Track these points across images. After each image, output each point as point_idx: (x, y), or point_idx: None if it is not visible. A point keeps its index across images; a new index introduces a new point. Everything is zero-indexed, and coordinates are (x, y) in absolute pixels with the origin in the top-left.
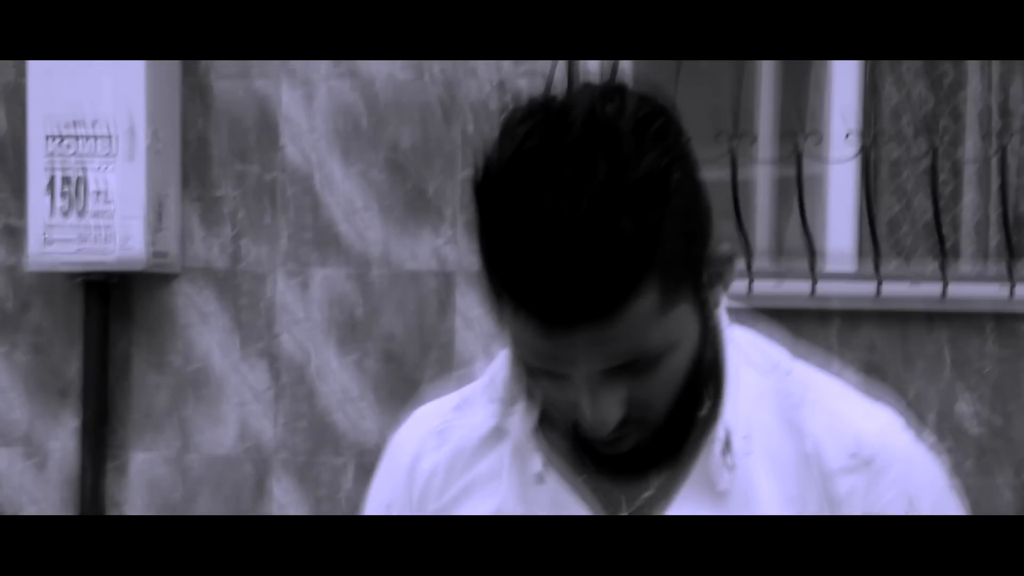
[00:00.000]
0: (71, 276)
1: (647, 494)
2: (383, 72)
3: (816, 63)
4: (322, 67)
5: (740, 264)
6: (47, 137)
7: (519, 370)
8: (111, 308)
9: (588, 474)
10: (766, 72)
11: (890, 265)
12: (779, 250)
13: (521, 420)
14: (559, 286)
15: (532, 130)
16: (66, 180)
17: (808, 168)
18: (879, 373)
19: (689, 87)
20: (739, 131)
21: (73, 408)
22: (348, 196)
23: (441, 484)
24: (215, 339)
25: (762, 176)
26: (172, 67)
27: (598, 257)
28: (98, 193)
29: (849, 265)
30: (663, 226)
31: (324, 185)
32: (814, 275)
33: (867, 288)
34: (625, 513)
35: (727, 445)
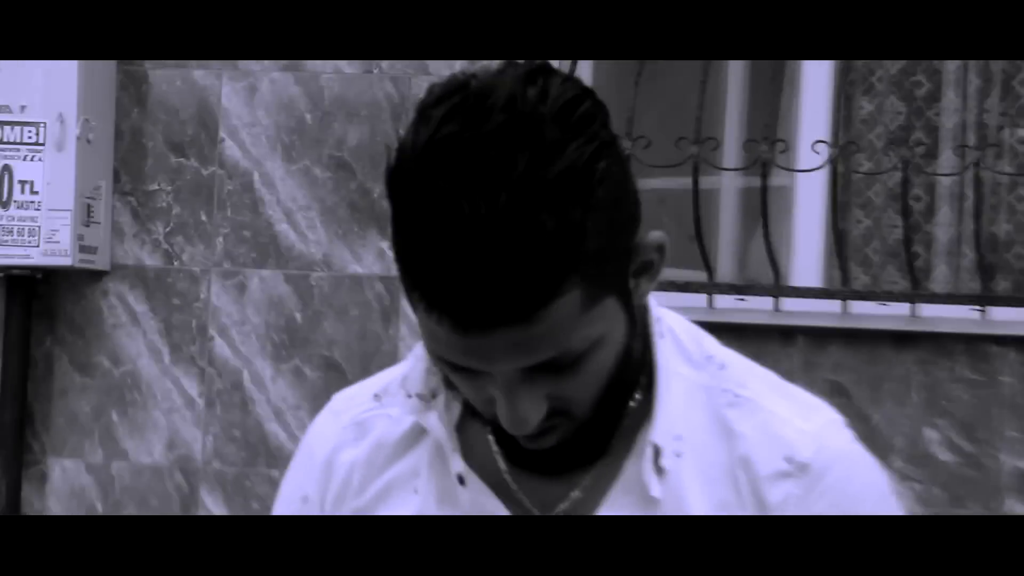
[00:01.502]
0: None
1: (575, 494)
2: (329, 66)
3: (787, 68)
4: (264, 59)
5: (696, 275)
6: None
7: (436, 366)
8: (34, 307)
9: (513, 473)
10: (733, 74)
11: (858, 283)
12: (742, 264)
13: (440, 417)
14: (474, 288)
15: (449, 114)
16: None
17: (775, 179)
18: (845, 395)
19: (649, 88)
20: (702, 136)
21: None
22: (289, 195)
23: (360, 480)
24: (145, 342)
25: (726, 185)
26: None
27: (517, 257)
28: (24, 184)
29: (815, 281)
30: (587, 221)
31: (264, 183)
32: (778, 291)
33: (834, 306)
34: (553, 512)
35: (658, 450)
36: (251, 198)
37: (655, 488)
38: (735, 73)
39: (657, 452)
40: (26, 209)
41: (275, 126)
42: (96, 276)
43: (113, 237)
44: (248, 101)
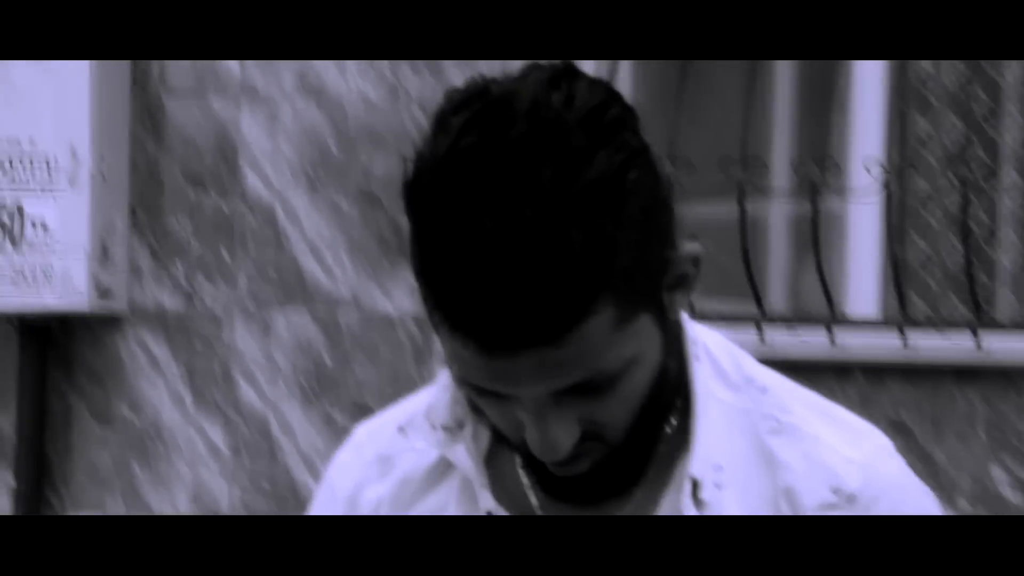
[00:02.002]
0: (5, 319)
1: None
2: (353, 92)
3: (837, 84)
4: (286, 85)
5: (745, 307)
6: None
7: (461, 390)
8: (50, 354)
9: (545, 509)
10: (781, 93)
11: (917, 312)
12: (794, 295)
13: (467, 450)
14: (499, 308)
15: (469, 123)
16: (1, 209)
17: (827, 204)
18: (906, 433)
19: (693, 107)
20: (749, 159)
21: (7, 466)
22: (315, 230)
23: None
24: (167, 389)
25: (775, 211)
26: (120, 84)
27: (544, 275)
28: (36, 225)
29: (872, 311)
30: (618, 235)
31: (288, 218)
32: (833, 324)
33: (892, 338)
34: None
35: (697, 483)
36: (274, 234)
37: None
38: (782, 90)
39: (696, 485)
40: (39, 252)
41: (298, 156)
42: (114, 321)
43: (131, 279)
44: (269, 131)
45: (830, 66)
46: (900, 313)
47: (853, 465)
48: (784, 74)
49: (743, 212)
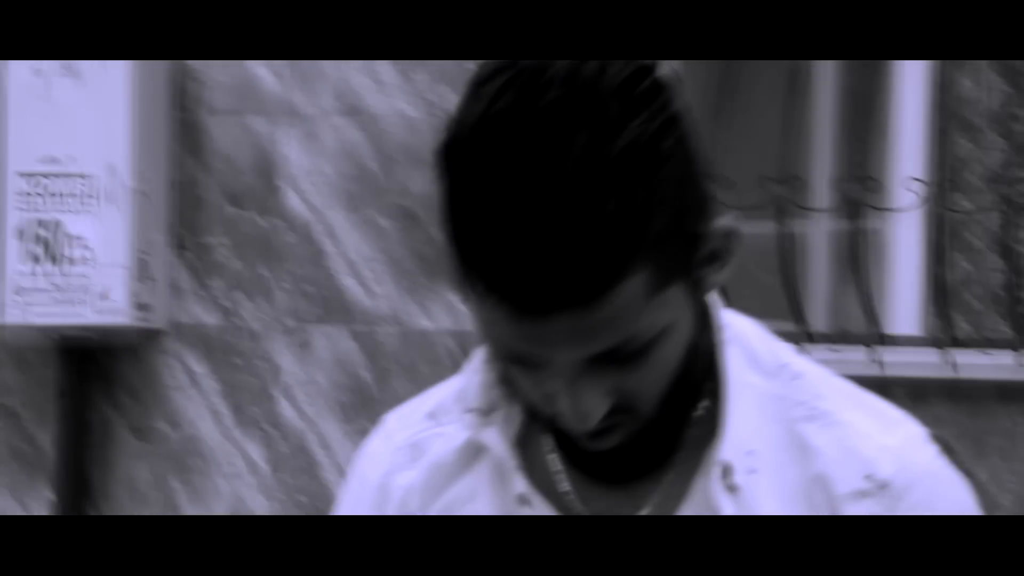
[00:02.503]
0: (45, 333)
1: (644, 511)
2: (391, 110)
3: (878, 101)
4: (324, 104)
5: (785, 325)
6: (19, 175)
7: (492, 359)
8: (89, 369)
9: (577, 492)
10: (822, 111)
11: (959, 331)
12: (835, 313)
13: (500, 433)
14: (534, 270)
15: (503, 89)
16: (41, 224)
17: (867, 221)
18: (948, 451)
19: (733, 125)
20: (789, 178)
21: (47, 480)
22: (353, 246)
23: (419, 505)
24: (206, 404)
25: (815, 229)
26: (159, 102)
27: (579, 236)
28: (75, 240)
29: (913, 330)
30: (653, 201)
31: (327, 234)
32: (875, 343)
33: (933, 356)
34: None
35: (728, 468)
36: (313, 251)
37: (727, 508)
38: (823, 108)
39: (727, 470)
40: (78, 266)
41: (337, 174)
42: (153, 336)
43: (170, 294)
44: (307, 148)
45: (871, 83)
46: (942, 331)
47: (887, 452)
48: (825, 92)
49: (783, 231)
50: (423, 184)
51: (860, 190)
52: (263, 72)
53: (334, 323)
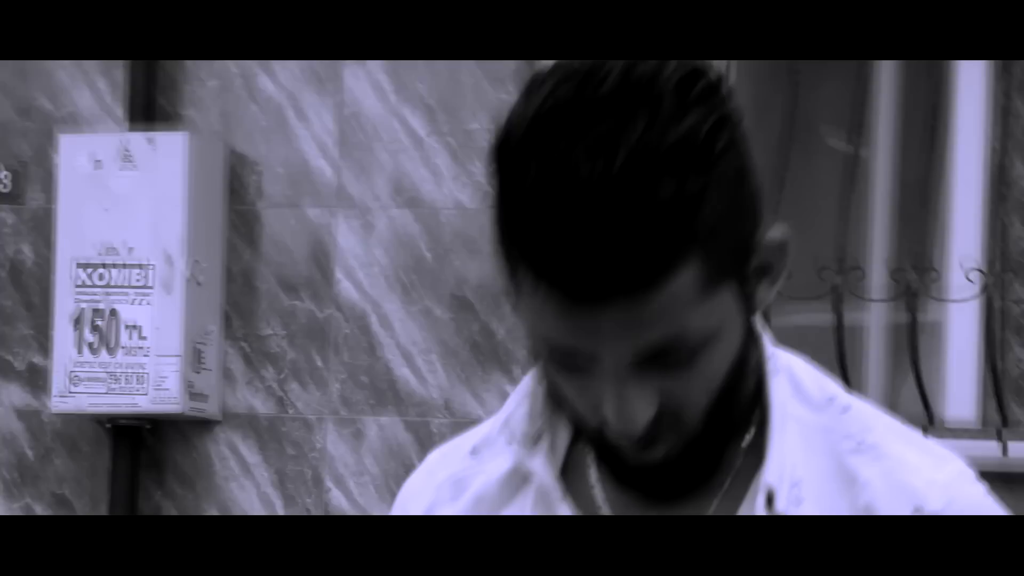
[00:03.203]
0: (99, 421)
1: None
2: (449, 201)
3: (935, 190)
4: (382, 195)
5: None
6: (76, 265)
7: (539, 376)
8: (142, 457)
9: (625, 512)
10: (879, 200)
11: (1018, 423)
12: (892, 404)
13: (545, 461)
14: (585, 256)
15: (559, 84)
16: (96, 313)
17: (925, 313)
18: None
19: (789, 211)
20: (846, 266)
21: None
22: (409, 336)
23: None
24: (258, 494)
25: (873, 320)
26: (215, 192)
27: (631, 224)
28: (131, 329)
29: (970, 420)
30: (705, 193)
31: (382, 324)
32: (930, 430)
33: (991, 446)
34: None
35: (771, 494)
36: (368, 341)
37: None
38: (880, 195)
39: (771, 496)
40: (133, 355)
41: (392, 264)
42: (207, 425)
43: (224, 384)
44: (364, 239)
45: (927, 170)
46: (999, 420)
47: (935, 487)
48: (882, 179)
49: (840, 318)
50: (478, 273)
51: (917, 277)
52: (319, 162)
53: (387, 412)
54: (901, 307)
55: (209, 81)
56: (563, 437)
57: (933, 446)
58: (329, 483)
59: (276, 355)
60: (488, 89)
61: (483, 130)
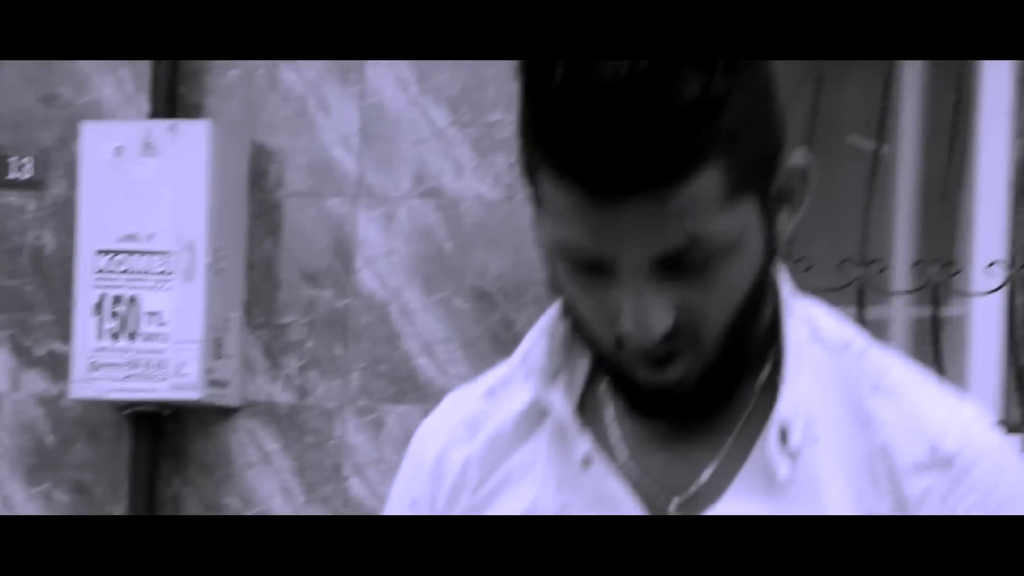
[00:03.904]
0: (118, 407)
1: (702, 477)
2: (470, 192)
3: (961, 186)
4: (403, 185)
5: None
6: (97, 252)
7: (554, 273)
8: (161, 444)
9: (636, 460)
10: (902, 196)
11: None
12: None
13: (562, 398)
14: (610, 148)
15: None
16: (117, 300)
17: (948, 308)
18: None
19: (812, 207)
20: (868, 259)
21: None
22: (428, 327)
23: (477, 477)
24: (277, 482)
25: (895, 315)
26: (238, 180)
27: (657, 118)
28: (151, 315)
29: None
30: (731, 98)
31: (402, 314)
32: None
33: (1013, 443)
34: (677, 500)
35: (784, 428)
36: (387, 331)
37: (782, 470)
38: (904, 190)
39: (784, 431)
40: (154, 341)
41: (413, 255)
42: (226, 413)
43: (244, 371)
44: (385, 229)
45: (951, 167)
46: (1020, 416)
47: (953, 428)
48: (905, 175)
49: (862, 314)
50: (499, 265)
51: (941, 273)
52: (341, 153)
53: (407, 403)
54: (923, 302)
55: (231, 71)
56: (580, 376)
57: (951, 392)
58: (348, 472)
59: (296, 344)
60: (510, 81)
61: (505, 122)
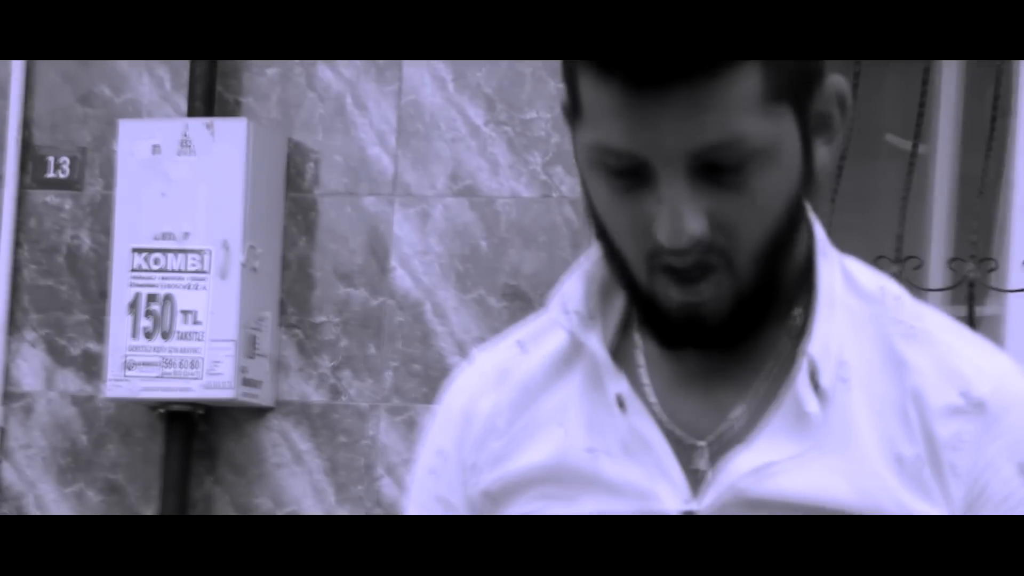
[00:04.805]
0: (152, 407)
1: (734, 414)
2: (506, 190)
3: (998, 183)
4: (438, 183)
5: None
6: (133, 251)
7: (589, 196)
8: (195, 443)
9: (664, 404)
10: (938, 194)
11: None
12: None
13: (598, 340)
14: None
15: None
16: (151, 299)
17: (985, 307)
18: None
19: (848, 204)
20: (903, 255)
21: None
22: (463, 326)
23: (506, 423)
24: (310, 482)
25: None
26: (274, 178)
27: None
28: (186, 314)
29: None
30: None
31: (436, 313)
32: None
33: None
34: (706, 441)
35: (814, 365)
36: (422, 330)
37: (811, 405)
38: (940, 188)
39: (814, 368)
40: (188, 340)
41: (448, 254)
42: (259, 412)
43: (277, 371)
44: (420, 228)
45: (988, 164)
46: None
47: (984, 374)
48: (941, 174)
49: None
50: (533, 264)
51: (977, 270)
52: (377, 151)
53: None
54: (960, 300)
55: (269, 70)
56: (614, 322)
57: (984, 341)
58: (381, 471)
59: (330, 343)
60: (547, 79)
61: (541, 120)
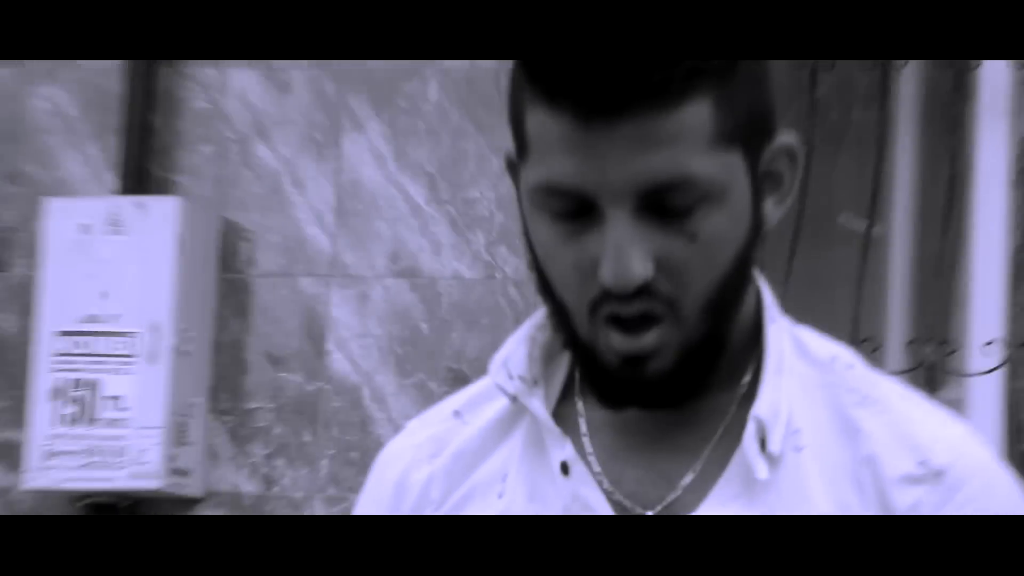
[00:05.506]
0: (74, 498)
1: (681, 485)
2: (448, 271)
3: (954, 269)
4: (378, 264)
5: None
6: (57, 334)
7: (532, 242)
8: None
9: (608, 473)
10: (895, 276)
11: None
12: None
13: (542, 404)
14: (601, 68)
15: None
16: (76, 384)
17: (945, 392)
18: None
19: (803, 283)
20: (860, 337)
21: None
22: (403, 412)
23: (441, 493)
24: None
25: None
26: (206, 259)
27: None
28: (112, 399)
29: None
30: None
31: (375, 399)
32: None
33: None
34: (651, 513)
35: (762, 426)
36: (360, 416)
37: (760, 469)
38: (896, 272)
39: (763, 431)
40: (114, 427)
41: (387, 336)
42: (188, 503)
43: (208, 459)
44: (359, 310)
45: (946, 245)
46: None
47: (943, 442)
48: (898, 254)
49: None
50: (476, 346)
51: (936, 353)
52: (315, 231)
53: None
54: (918, 383)
55: (204, 147)
56: (556, 388)
57: (940, 409)
58: None
59: (263, 430)
60: (490, 156)
61: (484, 199)
